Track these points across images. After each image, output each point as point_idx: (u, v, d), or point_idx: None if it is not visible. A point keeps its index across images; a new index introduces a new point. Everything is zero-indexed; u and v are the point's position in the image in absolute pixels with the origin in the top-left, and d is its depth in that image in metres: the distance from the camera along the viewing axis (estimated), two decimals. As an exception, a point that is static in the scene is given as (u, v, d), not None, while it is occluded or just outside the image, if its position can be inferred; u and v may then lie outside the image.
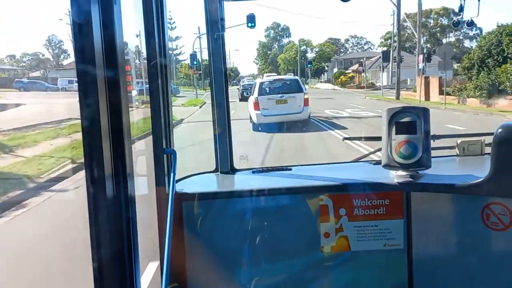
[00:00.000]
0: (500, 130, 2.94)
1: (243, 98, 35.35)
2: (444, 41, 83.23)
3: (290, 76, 31.83)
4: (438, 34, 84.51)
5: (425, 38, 78.68)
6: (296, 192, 3.41)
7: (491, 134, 3.03)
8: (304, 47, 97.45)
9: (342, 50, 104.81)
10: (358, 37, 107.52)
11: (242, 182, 3.78)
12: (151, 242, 2.98)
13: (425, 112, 3.30)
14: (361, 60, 73.48)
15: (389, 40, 77.35)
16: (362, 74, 71.18)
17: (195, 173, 3.85)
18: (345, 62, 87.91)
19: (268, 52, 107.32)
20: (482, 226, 3.18)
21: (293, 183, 3.57)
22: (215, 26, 3.60)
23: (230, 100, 3.73)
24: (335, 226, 3.36)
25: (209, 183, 3.78)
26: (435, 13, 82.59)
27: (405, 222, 3.36)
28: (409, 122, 3.26)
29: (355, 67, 76.91)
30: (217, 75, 3.72)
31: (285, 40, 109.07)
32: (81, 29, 1.71)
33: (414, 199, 3.33)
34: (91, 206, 1.79)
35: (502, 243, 3.19)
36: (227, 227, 3.44)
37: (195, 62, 45.35)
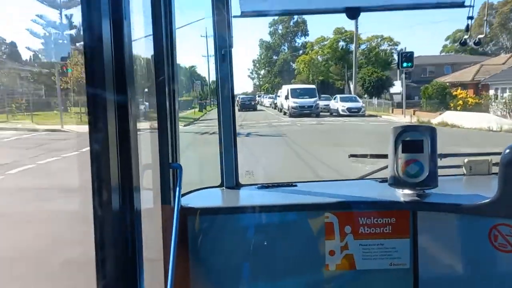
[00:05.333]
0: (508, 151, 2.93)
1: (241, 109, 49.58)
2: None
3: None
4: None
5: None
6: (302, 209, 3.39)
7: (499, 154, 3.02)
8: (343, 43, 67.53)
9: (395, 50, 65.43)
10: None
11: (248, 197, 3.76)
12: (155, 256, 2.97)
13: (431, 131, 3.29)
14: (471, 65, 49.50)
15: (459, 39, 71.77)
16: (491, 93, 43.16)
17: (200, 188, 3.84)
18: (416, 70, 51.12)
19: (275, 57, 77.81)
20: (489, 247, 3.14)
21: (299, 199, 3.54)
22: (223, 42, 3.62)
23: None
24: (340, 244, 3.33)
25: (215, 198, 3.76)
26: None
27: (411, 242, 3.33)
28: (416, 141, 3.25)
29: (452, 77, 49.95)
30: (223, 90, 3.72)
31: (300, 40, 78.00)
32: (92, 50, 1.75)
33: (420, 218, 3.30)
34: (97, 220, 1.79)
35: (510, 265, 3.14)
36: (232, 242, 3.41)
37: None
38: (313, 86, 48.62)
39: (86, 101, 1.74)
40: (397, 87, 54.92)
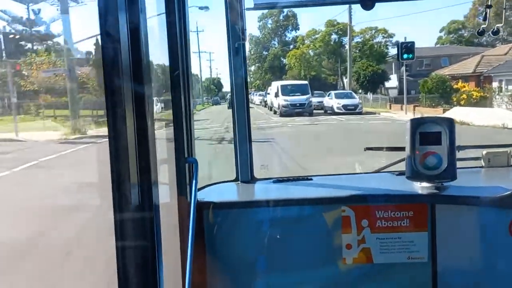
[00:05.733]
0: None
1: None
2: None
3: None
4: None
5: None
6: (318, 203, 3.39)
7: None
8: (336, 36, 63.57)
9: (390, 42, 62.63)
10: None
11: (263, 191, 3.77)
12: (173, 248, 2.99)
13: (450, 122, 3.26)
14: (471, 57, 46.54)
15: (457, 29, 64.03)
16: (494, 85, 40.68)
17: (216, 182, 3.86)
18: (412, 63, 50.36)
19: (264, 52, 73.03)
20: (509, 240, 3.10)
21: (315, 193, 3.55)
22: (236, 35, 3.61)
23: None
24: (357, 238, 3.32)
25: (230, 193, 3.78)
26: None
27: (430, 235, 3.29)
28: (434, 133, 3.23)
29: (451, 69, 47.20)
30: (237, 84, 3.73)
31: (290, 35, 74.09)
32: (109, 39, 1.75)
33: (439, 211, 3.26)
34: (117, 214, 1.81)
35: None
36: (248, 236, 3.43)
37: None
38: (305, 82, 45.70)
39: (105, 98, 1.75)
40: (393, 81, 52.82)
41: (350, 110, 39.38)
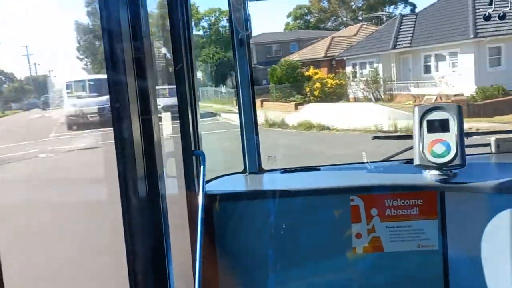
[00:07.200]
0: None
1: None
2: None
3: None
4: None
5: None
6: (326, 193, 3.39)
7: None
8: None
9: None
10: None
11: (271, 182, 3.78)
12: (182, 240, 3.00)
13: (457, 109, 3.23)
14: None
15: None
16: (348, 70, 37.49)
17: (224, 174, 3.85)
18: (261, 49, 47.76)
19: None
20: None
21: (323, 183, 3.56)
22: (239, 26, 3.60)
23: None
24: (367, 227, 3.32)
25: (238, 184, 3.77)
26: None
27: (440, 223, 3.29)
28: (442, 120, 3.19)
29: (300, 54, 43.21)
30: (242, 76, 3.72)
31: None
32: (110, 34, 1.76)
33: (448, 199, 3.25)
34: (125, 207, 1.84)
35: None
36: (257, 227, 3.45)
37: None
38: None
39: (108, 91, 1.77)
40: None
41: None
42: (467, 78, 28.06)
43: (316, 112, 24.61)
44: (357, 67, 36.54)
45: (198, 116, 3.17)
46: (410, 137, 3.38)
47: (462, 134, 3.19)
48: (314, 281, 3.40)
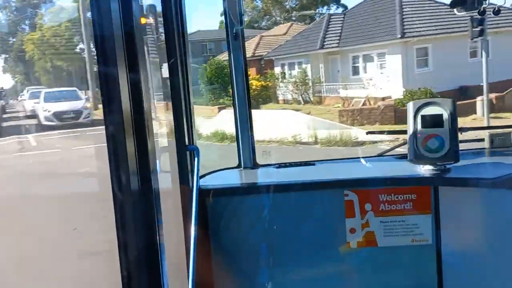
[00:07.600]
0: None
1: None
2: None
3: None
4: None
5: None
6: (321, 187, 3.39)
7: None
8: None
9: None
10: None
11: (266, 177, 3.77)
12: (176, 236, 2.98)
13: (451, 104, 3.24)
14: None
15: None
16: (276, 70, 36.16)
17: (218, 169, 3.83)
18: (196, 48, 46.77)
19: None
20: None
21: (317, 178, 3.54)
22: (234, 21, 3.57)
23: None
24: (361, 222, 3.33)
25: (233, 179, 3.76)
26: None
27: (433, 217, 3.30)
28: (435, 115, 3.21)
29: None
30: (237, 71, 3.69)
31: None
32: (101, 27, 1.74)
33: (442, 193, 3.26)
34: (117, 202, 1.83)
35: None
36: (252, 221, 3.44)
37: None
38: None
39: (100, 86, 1.75)
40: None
41: (68, 120, 22.50)
42: (395, 80, 27.78)
43: (229, 120, 21.65)
44: (286, 67, 35.67)
45: (192, 111, 3.16)
46: (404, 132, 3.40)
47: (456, 129, 3.22)
48: (308, 275, 3.41)
